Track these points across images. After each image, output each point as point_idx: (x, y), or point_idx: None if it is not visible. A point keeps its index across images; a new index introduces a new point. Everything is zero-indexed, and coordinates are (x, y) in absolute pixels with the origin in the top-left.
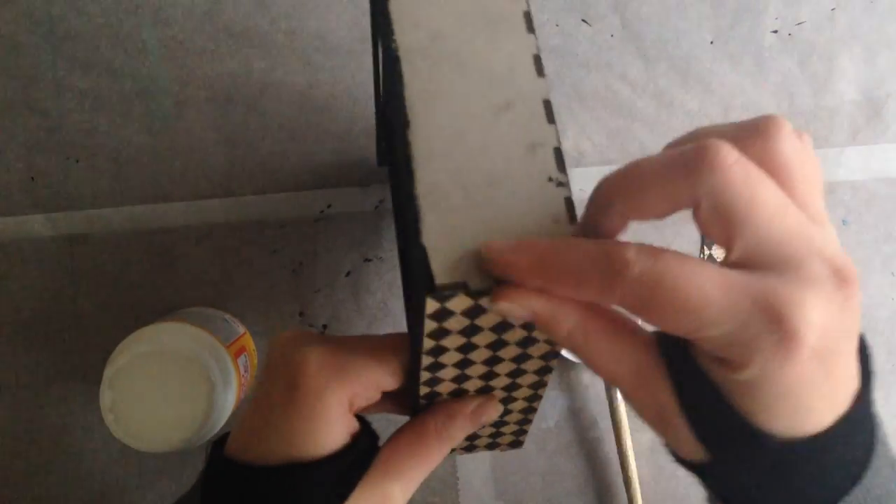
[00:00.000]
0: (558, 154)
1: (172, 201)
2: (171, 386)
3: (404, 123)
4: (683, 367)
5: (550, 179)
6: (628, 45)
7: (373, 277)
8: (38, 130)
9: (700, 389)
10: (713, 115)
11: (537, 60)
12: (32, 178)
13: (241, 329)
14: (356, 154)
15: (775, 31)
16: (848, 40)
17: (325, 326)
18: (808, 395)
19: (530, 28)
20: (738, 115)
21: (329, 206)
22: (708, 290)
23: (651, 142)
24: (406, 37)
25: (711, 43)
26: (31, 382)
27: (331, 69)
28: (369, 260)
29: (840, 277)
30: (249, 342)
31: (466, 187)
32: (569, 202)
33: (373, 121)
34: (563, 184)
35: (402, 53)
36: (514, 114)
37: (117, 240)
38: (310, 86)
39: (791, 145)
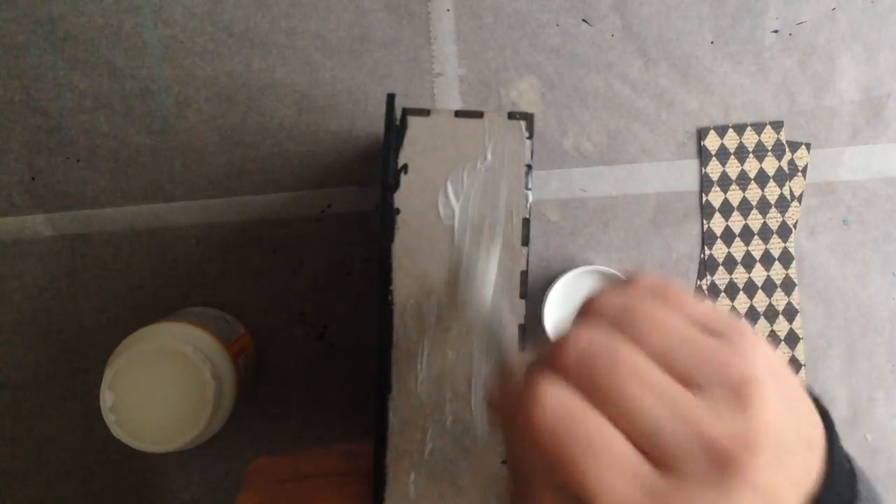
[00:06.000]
0: None
1: (172, 201)
2: (171, 386)
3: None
4: None
5: (504, 462)
6: (629, 45)
7: (373, 277)
8: (38, 130)
9: None
10: (713, 115)
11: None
12: (32, 178)
13: (241, 329)
14: (356, 154)
15: (776, 31)
16: (848, 40)
17: (324, 326)
18: None
19: (523, 294)
20: (739, 114)
21: (329, 206)
22: (609, 472)
23: (651, 142)
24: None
25: (712, 43)
26: (31, 382)
27: (331, 69)
28: (369, 260)
29: (719, 465)
30: (249, 342)
31: (430, 461)
32: None
33: (373, 120)
34: None
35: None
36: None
37: (117, 240)
38: (310, 86)
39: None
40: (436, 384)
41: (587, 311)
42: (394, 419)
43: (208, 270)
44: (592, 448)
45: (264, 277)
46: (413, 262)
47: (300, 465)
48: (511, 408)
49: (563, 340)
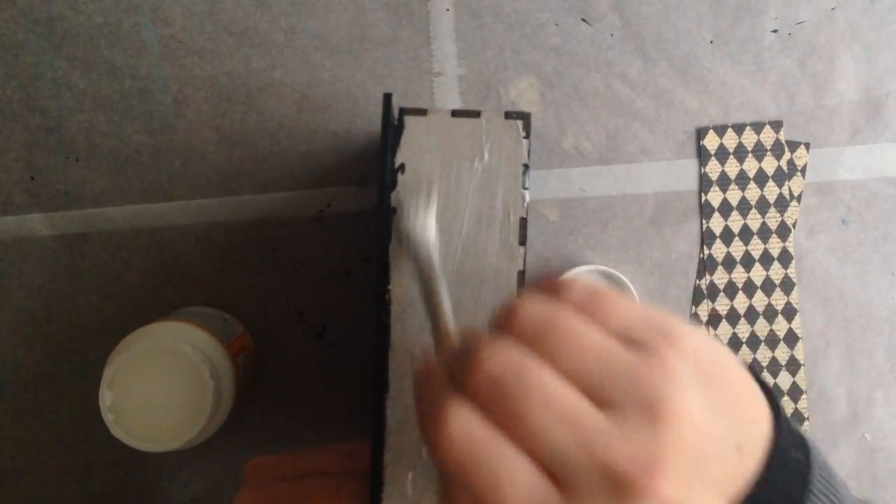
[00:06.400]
0: None
1: (172, 200)
2: (170, 385)
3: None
4: None
5: None
6: (628, 45)
7: (373, 277)
8: (38, 130)
9: None
10: (712, 115)
11: None
12: (32, 177)
13: (241, 328)
14: (355, 153)
15: (775, 31)
16: (848, 40)
17: (324, 326)
18: None
19: (521, 283)
20: (738, 114)
21: (329, 206)
22: (512, 490)
23: (650, 141)
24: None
25: (711, 42)
26: (31, 381)
27: (330, 69)
28: (369, 259)
29: (616, 489)
30: (249, 342)
31: (428, 461)
32: None
33: (372, 120)
34: None
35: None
36: None
37: (117, 239)
38: (309, 85)
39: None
40: None
41: (506, 321)
42: (391, 419)
43: (207, 270)
44: (495, 474)
45: (263, 277)
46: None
47: (299, 464)
48: (424, 418)
49: (475, 358)
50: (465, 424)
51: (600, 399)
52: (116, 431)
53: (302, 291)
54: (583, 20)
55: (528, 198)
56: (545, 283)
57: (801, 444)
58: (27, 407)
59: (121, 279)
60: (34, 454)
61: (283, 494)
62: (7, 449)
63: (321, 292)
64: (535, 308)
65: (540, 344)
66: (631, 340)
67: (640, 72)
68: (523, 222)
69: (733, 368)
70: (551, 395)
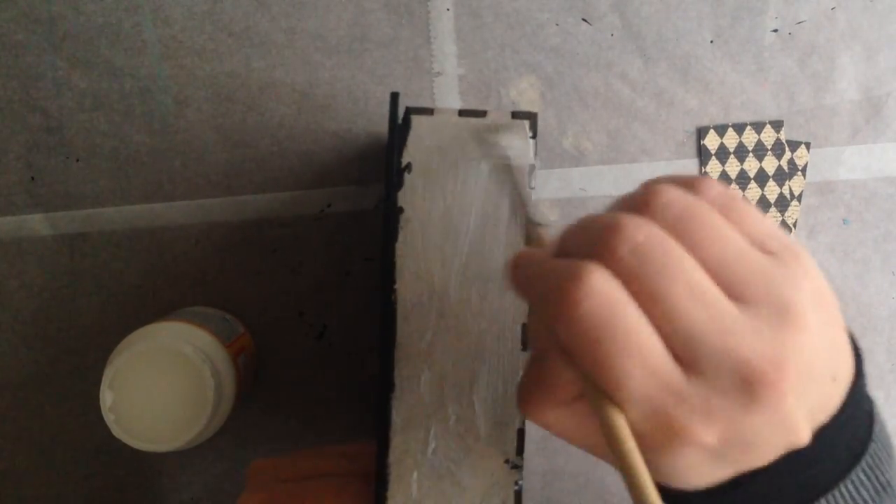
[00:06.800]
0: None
1: (172, 200)
2: (171, 385)
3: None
4: None
5: (507, 461)
6: (628, 45)
7: (372, 277)
8: (37, 130)
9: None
10: (713, 115)
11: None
12: (32, 177)
13: (241, 328)
14: (356, 153)
15: (775, 31)
16: (848, 39)
17: (324, 326)
18: (708, 477)
19: None
20: (739, 114)
21: (329, 206)
22: (638, 366)
23: (651, 141)
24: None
25: (711, 42)
26: (30, 382)
27: (330, 68)
28: (369, 259)
29: (749, 381)
30: (249, 341)
31: (433, 460)
32: (518, 494)
33: (372, 119)
34: (518, 466)
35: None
36: (487, 390)
37: (117, 239)
38: (309, 85)
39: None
40: (438, 383)
41: (647, 200)
42: (396, 418)
43: (208, 270)
44: (625, 341)
45: (263, 277)
46: (416, 260)
47: (301, 466)
48: (541, 280)
49: (617, 227)
50: (606, 285)
51: (736, 294)
52: (117, 431)
53: (302, 291)
54: (583, 20)
55: (534, 198)
56: (682, 178)
57: (869, 399)
58: (27, 407)
59: (121, 279)
60: (34, 454)
61: (286, 496)
62: (7, 449)
63: (321, 292)
64: (676, 194)
65: (681, 230)
66: (763, 247)
67: (641, 71)
68: (531, 221)
69: (837, 306)
70: (694, 277)
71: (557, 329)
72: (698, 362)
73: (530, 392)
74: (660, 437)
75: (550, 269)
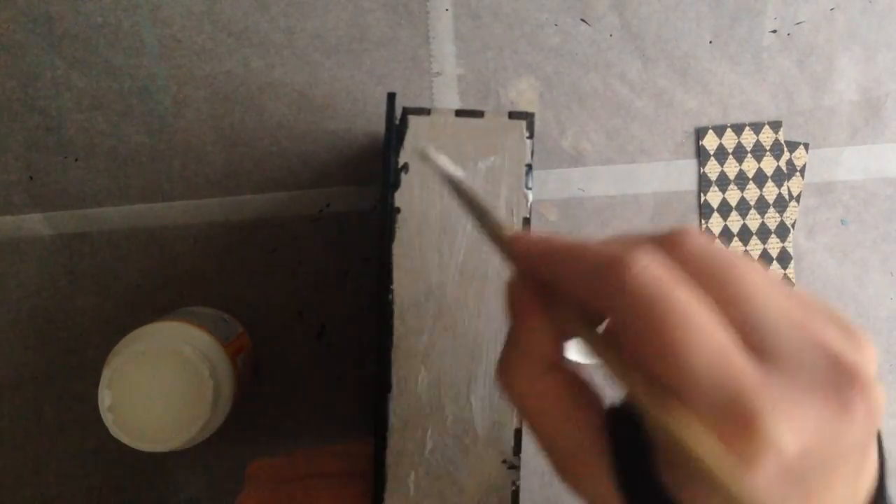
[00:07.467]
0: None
1: (171, 200)
2: (170, 385)
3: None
4: (631, 457)
5: (504, 462)
6: (627, 45)
7: (371, 277)
8: (36, 130)
9: (649, 488)
10: (712, 115)
11: None
12: (31, 177)
13: (240, 328)
14: (354, 153)
15: (774, 31)
16: (847, 40)
17: (323, 326)
18: None
19: None
20: (737, 114)
21: (328, 206)
22: (702, 343)
23: (650, 142)
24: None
25: (710, 43)
26: (30, 382)
27: (329, 68)
28: (368, 259)
29: (842, 379)
30: (247, 341)
31: (430, 460)
32: (515, 494)
33: (371, 119)
34: (516, 466)
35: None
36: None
37: (116, 239)
38: (308, 85)
39: (702, 242)
40: (435, 383)
41: (671, 244)
42: (394, 418)
43: (206, 269)
44: (686, 314)
45: (262, 277)
46: (413, 261)
47: (300, 466)
48: (586, 254)
49: (673, 235)
50: (664, 260)
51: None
52: (115, 431)
53: (301, 291)
54: (582, 20)
55: (531, 198)
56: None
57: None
58: (27, 407)
59: (120, 279)
60: (34, 454)
61: (285, 496)
62: (7, 449)
63: (320, 292)
64: (710, 247)
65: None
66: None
67: (640, 72)
68: (527, 222)
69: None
70: (766, 276)
71: (611, 302)
72: (776, 349)
73: (509, 357)
74: (734, 441)
75: (600, 245)
